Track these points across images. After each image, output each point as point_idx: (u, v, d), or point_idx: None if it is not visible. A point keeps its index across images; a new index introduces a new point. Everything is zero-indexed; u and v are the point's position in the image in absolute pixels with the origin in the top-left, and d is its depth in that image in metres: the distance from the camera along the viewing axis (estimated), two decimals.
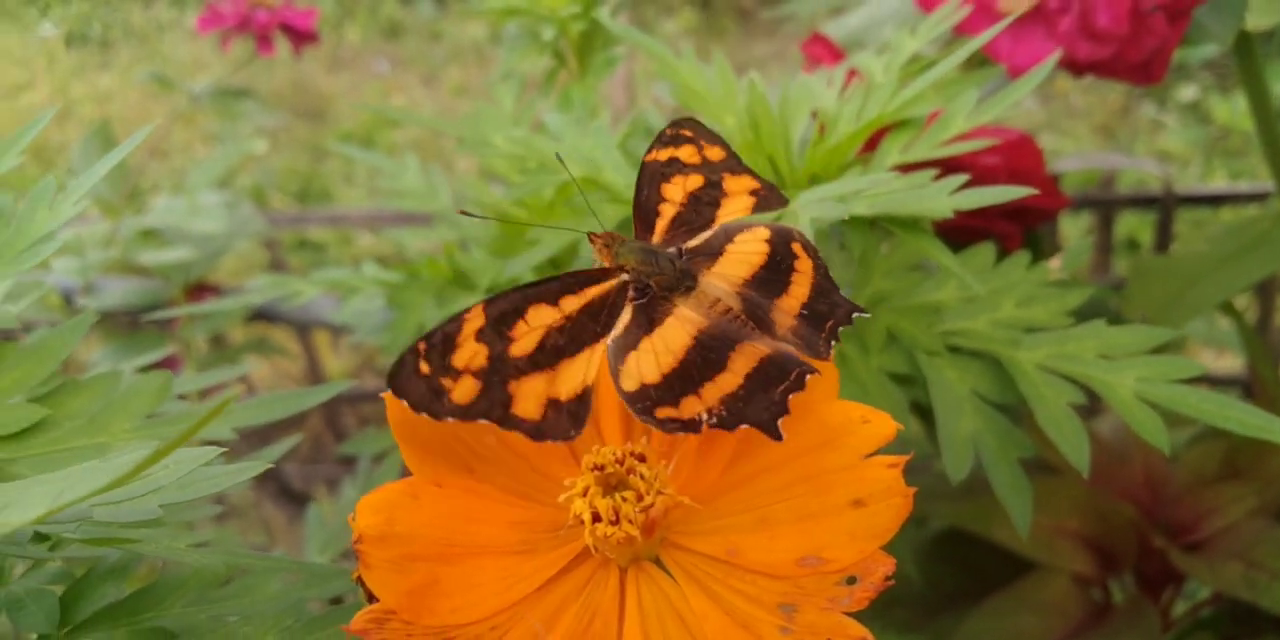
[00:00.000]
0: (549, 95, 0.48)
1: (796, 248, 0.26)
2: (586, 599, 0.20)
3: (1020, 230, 0.55)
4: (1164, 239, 0.86)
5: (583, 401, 0.21)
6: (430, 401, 0.21)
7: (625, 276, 0.24)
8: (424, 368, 0.21)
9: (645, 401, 0.21)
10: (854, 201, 0.32)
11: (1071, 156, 1.38)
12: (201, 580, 0.27)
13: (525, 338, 0.22)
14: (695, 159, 0.29)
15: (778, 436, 0.20)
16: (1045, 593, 0.57)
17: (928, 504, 0.70)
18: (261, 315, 0.86)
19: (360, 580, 0.19)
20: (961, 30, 0.49)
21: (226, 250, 0.81)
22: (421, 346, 0.21)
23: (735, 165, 0.30)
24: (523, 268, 0.38)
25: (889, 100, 0.35)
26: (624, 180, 0.37)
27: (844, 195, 0.32)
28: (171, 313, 0.46)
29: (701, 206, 0.28)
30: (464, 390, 0.21)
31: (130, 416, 0.28)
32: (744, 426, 0.20)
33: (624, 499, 0.19)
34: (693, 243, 0.26)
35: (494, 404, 0.21)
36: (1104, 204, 0.88)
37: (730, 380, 0.21)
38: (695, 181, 0.28)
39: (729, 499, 0.21)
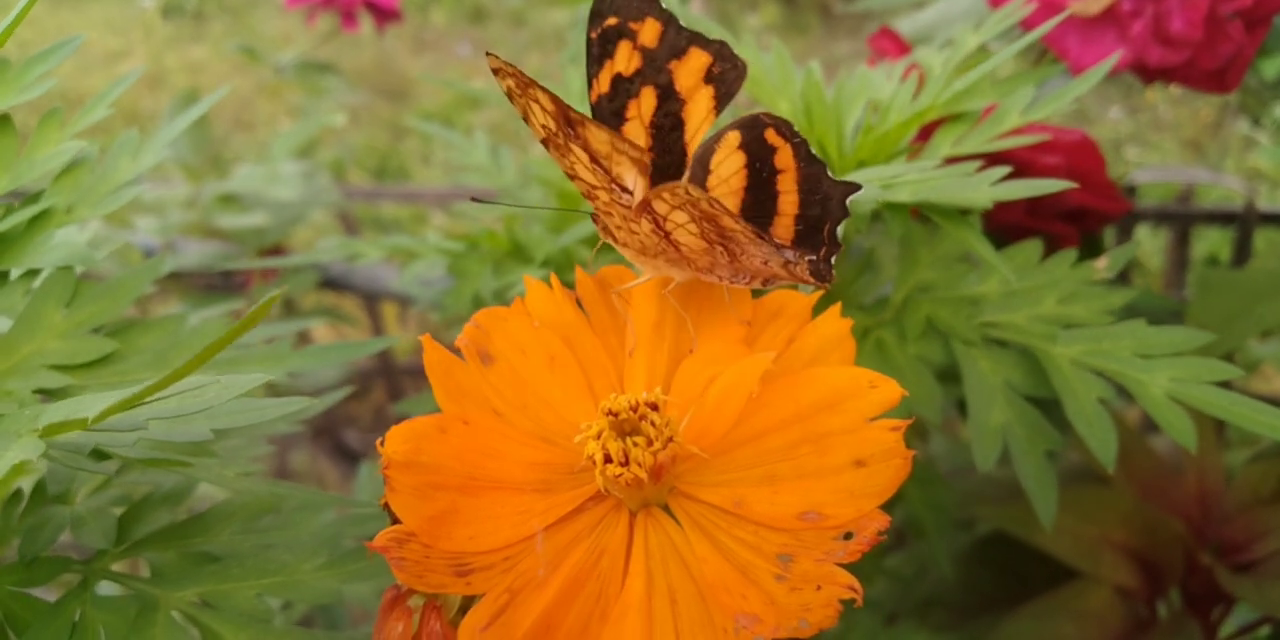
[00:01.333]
0: None
1: (770, 135, 0.25)
2: (596, 538, 0.21)
3: (1078, 233, 0.55)
4: (1242, 256, 0.84)
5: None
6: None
7: None
8: None
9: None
10: (897, 189, 0.32)
11: (1151, 168, 1.35)
12: (249, 511, 0.29)
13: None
14: (635, 61, 0.25)
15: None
16: (1086, 602, 0.57)
17: (974, 507, 0.71)
18: (331, 284, 0.89)
19: (386, 505, 0.21)
20: (1029, 28, 0.49)
21: (301, 218, 0.84)
22: None
23: (676, 40, 0.26)
24: (571, 239, 0.40)
25: (941, 90, 0.36)
26: None
27: (887, 181, 0.32)
28: (244, 265, 0.48)
29: (668, 138, 0.26)
30: None
31: (193, 355, 0.30)
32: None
33: (635, 444, 0.21)
34: None
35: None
36: (1180, 218, 0.87)
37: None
38: (649, 103, 0.25)
39: (738, 455, 0.22)
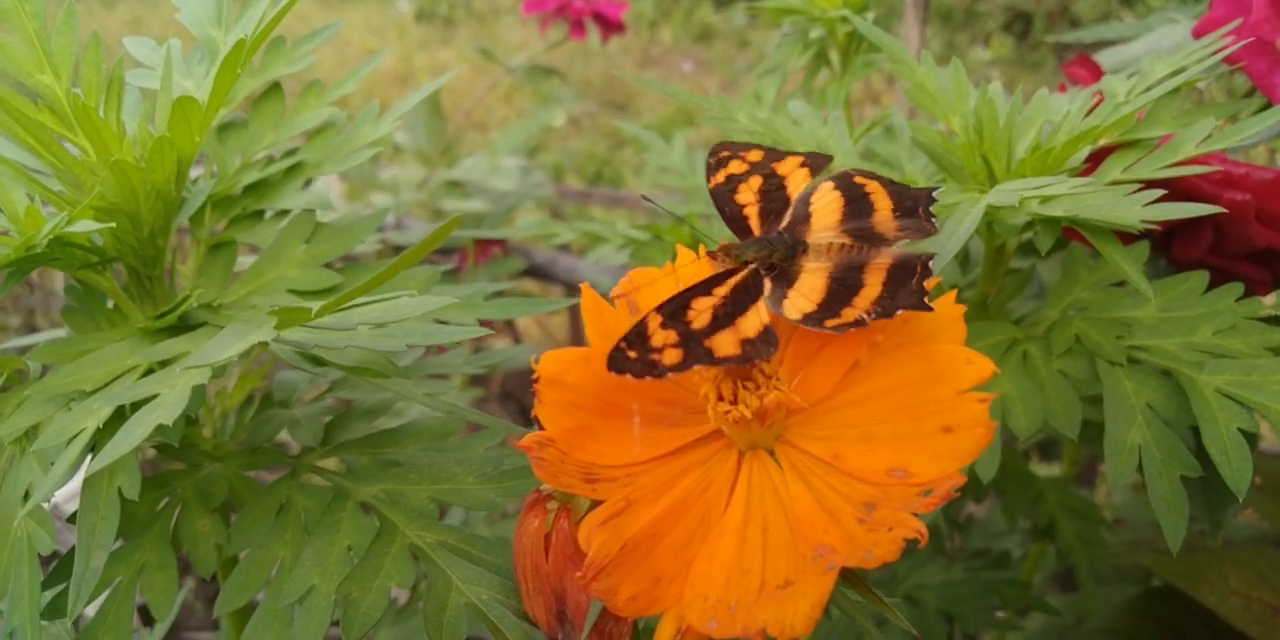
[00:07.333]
0: (808, 90, 0.53)
1: (859, 180, 0.30)
2: (707, 469, 0.25)
3: (1270, 278, 0.53)
4: None
5: (768, 332, 0.25)
6: (647, 371, 0.24)
7: (754, 266, 0.28)
8: (631, 354, 0.25)
9: (810, 320, 0.25)
10: (1052, 204, 0.34)
11: None
12: (434, 433, 0.34)
13: (699, 317, 0.26)
14: (744, 167, 0.33)
15: (930, 309, 0.24)
16: None
17: (1143, 555, 0.69)
18: (536, 272, 0.96)
19: (535, 417, 0.25)
20: (1233, 62, 0.49)
21: (516, 208, 0.91)
22: (623, 344, 0.25)
23: (775, 155, 0.33)
24: None
25: (1112, 111, 0.37)
26: (850, 164, 0.41)
27: (1042, 194, 0.34)
28: (462, 234, 0.54)
29: (773, 192, 0.31)
30: (671, 357, 0.25)
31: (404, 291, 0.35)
32: (900, 312, 0.24)
33: (744, 387, 0.24)
34: (784, 223, 0.30)
35: (700, 356, 0.24)
36: None
37: (871, 290, 0.25)
38: (756, 182, 0.32)
39: (841, 415, 0.25)
